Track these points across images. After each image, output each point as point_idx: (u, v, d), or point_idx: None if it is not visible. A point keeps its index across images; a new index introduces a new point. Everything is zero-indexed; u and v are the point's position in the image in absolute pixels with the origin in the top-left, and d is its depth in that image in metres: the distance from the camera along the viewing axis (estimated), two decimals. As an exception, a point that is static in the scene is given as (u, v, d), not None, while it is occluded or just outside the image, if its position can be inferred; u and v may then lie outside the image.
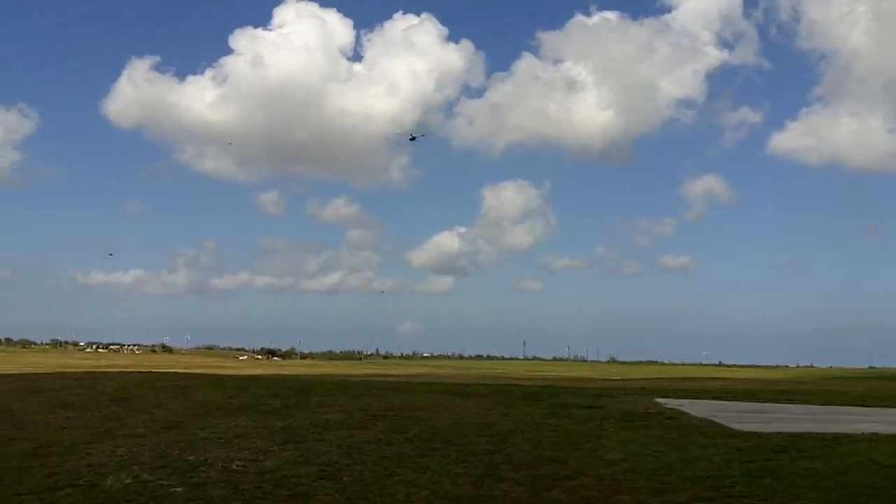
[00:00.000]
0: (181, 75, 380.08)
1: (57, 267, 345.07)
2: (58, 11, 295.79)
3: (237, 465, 14.75)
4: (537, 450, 16.88)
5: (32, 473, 13.92)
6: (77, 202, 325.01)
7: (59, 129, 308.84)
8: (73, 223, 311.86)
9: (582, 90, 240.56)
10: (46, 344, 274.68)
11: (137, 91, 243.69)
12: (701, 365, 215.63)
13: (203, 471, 14.31)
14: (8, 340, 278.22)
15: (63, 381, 32.98)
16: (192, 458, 15.43)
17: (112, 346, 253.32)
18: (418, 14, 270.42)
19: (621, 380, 67.10)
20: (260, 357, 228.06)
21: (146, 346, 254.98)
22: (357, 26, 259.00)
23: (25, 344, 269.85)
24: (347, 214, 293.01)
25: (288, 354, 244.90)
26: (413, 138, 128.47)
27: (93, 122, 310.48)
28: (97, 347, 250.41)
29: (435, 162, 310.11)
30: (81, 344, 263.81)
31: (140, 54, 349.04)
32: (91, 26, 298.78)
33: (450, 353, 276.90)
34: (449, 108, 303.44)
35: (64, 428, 19.67)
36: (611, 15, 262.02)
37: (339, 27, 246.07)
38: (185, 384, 31.51)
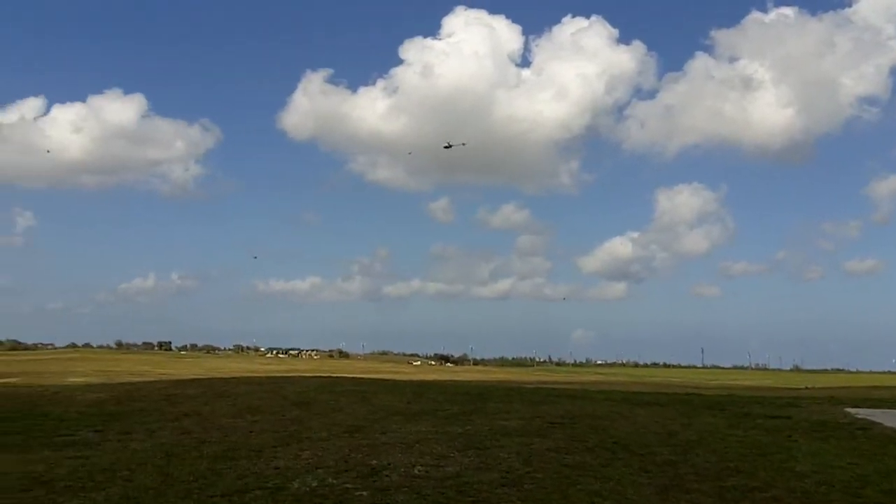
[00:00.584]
0: (353, 87, 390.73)
1: (238, 275, 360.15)
2: (236, 31, 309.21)
3: (419, 471, 14.78)
4: (723, 461, 16.28)
5: (223, 476, 14.30)
6: (256, 213, 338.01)
7: (238, 143, 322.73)
8: (252, 233, 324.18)
9: (759, 89, 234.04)
10: (229, 349, 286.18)
11: (312, 104, 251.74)
12: (890, 373, 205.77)
13: (386, 475, 14.40)
14: (193, 346, 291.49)
15: (247, 386, 34.11)
16: (374, 462, 15.56)
17: (291, 352, 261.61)
18: (587, 17, 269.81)
19: (806, 388, 64.52)
20: (433, 363, 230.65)
21: (323, 352, 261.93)
22: (525, 32, 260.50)
23: (210, 349, 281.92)
24: (517, 220, 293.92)
25: (460, 360, 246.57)
26: (449, 146, 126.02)
27: (270, 135, 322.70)
28: (277, 353, 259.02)
29: (606, 166, 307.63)
30: (262, 349, 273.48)
31: (314, 68, 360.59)
32: (268, 42, 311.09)
33: (624, 361, 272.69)
34: (619, 111, 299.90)
35: (251, 432, 20.26)
36: (788, 11, 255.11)
37: (507, 33, 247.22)
38: (364, 389, 32.06)
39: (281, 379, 40.36)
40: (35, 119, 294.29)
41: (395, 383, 38.47)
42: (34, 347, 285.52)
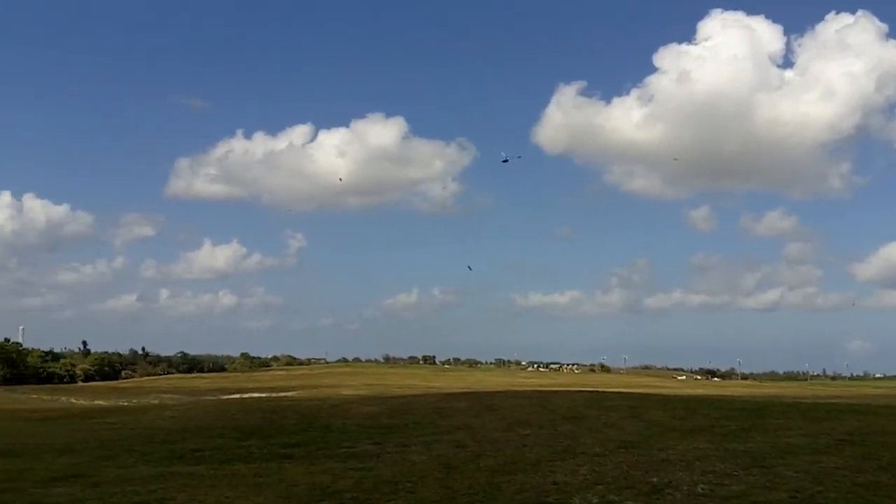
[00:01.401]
0: (607, 98, 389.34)
1: (497, 289, 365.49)
2: (489, 50, 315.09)
3: (702, 489, 14.12)
4: None
5: (503, 490, 14.26)
6: (512, 227, 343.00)
7: (494, 160, 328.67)
8: (509, 248, 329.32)
9: None
10: (491, 363, 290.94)
11: (566, 117, 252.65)
12: None
13: (668, 493, 13.85)
14: (456, 360, 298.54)
15: (514, 400, 34.24)
16: (655, 479, 15.04)
17: (552, 366, 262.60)
18: (853, 12, 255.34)
19: None
20: (699, 377, 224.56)
21: (584, 366, 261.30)
22: (787, 31, 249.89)
23: (472, 363, 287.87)
24: (784, 227, 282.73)
25: (727, 375, 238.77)
26: (506, 160, 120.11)
27: (524, 150, 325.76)
28: (538, 367, 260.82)
29: (878, 166, 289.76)
30: (523, 363, 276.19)
31: (567, 81, 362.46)
32: (520, 59, 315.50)
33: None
34: (891, 110, 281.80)
35: (524, 446, 20.20)
36: None
37: (767, 34, 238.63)
38: (633, 404, 31.39)
39: (547, 393, 40.28)
40: (303, 145, 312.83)
41: (664, 398, 37.48)
42: (307, 362, 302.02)
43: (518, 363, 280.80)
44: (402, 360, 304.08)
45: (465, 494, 13.93)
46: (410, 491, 14.30)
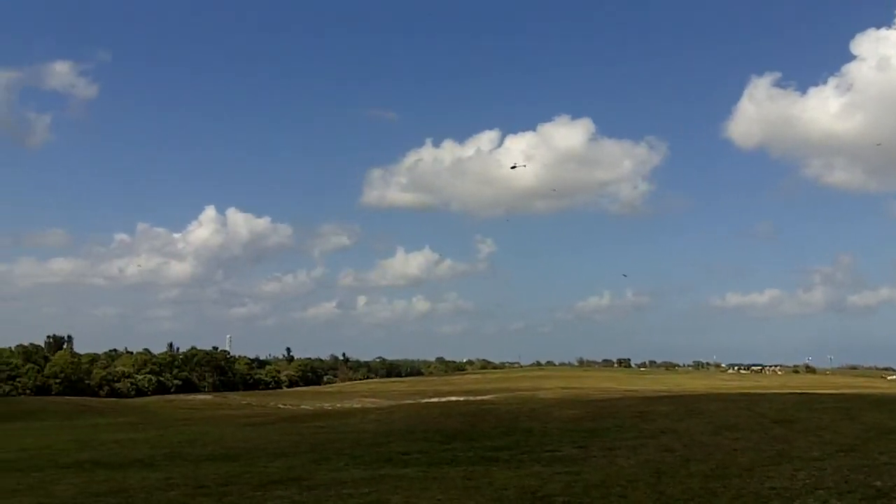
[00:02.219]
0: (802, 88, 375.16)
1: (692, 290, 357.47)
2: (677, 44, 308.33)
3: (935, 496, 13.24)
4: None
5: (718, 495, 13.80)
6: (707, 226, 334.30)
7: (684, 157, 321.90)
8: (704, 247, 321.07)
9: None
10: (689, 366, 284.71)
11: (759, 109, 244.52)
12: None
13: (895, 497, 13.08)
14: (652, 362, 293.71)
15: (718, 403, 33.25)
16: (878, 484, 14.24)
17: (753, 367, 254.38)
18: None
19: None
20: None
21: (787, 367, 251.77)
22: None
23: (668, 366, 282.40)
24: None
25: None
26: (514, 167, 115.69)
27: (716, 145, 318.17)
28: (738, 369, 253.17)
29: None
30: (723, 365, 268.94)
31: (760, 72, 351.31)
32: (710, 52, 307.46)
33: None
34: None
35: (735, 450, 19.55)
36: None
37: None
38: (846, 405, 29.91)
39: (754, 395, 38.91)
40: (490, 151, 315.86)
41: (878, 399, 35.54)
42: (502, 366, 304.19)
43: (717, 365, 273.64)
44: (597, 363, 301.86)
45: (680, 500, 13.56)
46: (622, 496, 14.04)
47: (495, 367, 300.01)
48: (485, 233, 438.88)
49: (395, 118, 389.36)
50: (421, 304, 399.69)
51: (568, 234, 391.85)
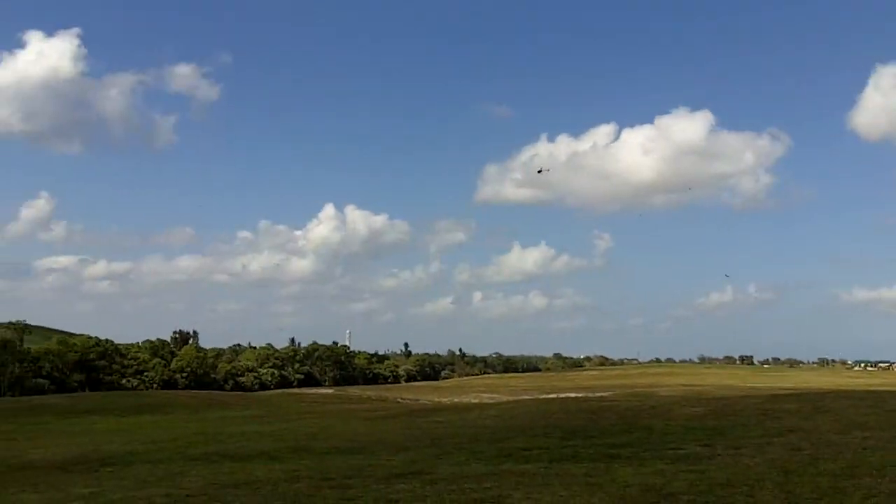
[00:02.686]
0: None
1: (818, 285, 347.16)
2: (791, 32, 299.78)
3: None
4: None
5: (848, 494, 13.46)
6: (833, 219, 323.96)
7: (808, 148, 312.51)
8: (830, 241, 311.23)
9: None
10: (813, 363, 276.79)
11: (886, 99, 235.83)
12: None
13: None
14: (775, 360, 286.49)
15: (847, 401, 32.26)
16: None
17: (881, 364, 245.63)
18: None
19: None
20: None
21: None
22: None
23: (793, 363, 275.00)
24: None
25: None
26: (540, 171, 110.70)
27: (840, 136, 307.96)
28: (865, 366, 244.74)
29: None
30: (849, 362, 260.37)
31: (885, 60, 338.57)
32: (833, 41, 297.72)
33: None
34: None
35: (864, 449, 18.96)
36: None
37: None
38: None
39: (882, 393, 37.62)
40: (607, 145, 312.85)
41: None
42: (620, 363, 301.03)
43: (843, 362, 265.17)
44: (718, 359, 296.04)
45: (809, 499, 13.26)
46: (748, 494, 13.78)
47: (613, 363, 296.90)
48: (602, 228, 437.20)
49: (509, 114, 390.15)
50: (537, 300, 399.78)
51: (687, 229, 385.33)
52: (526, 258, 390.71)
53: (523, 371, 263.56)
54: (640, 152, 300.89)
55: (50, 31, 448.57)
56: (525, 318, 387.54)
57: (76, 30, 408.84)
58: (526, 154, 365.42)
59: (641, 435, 24.25)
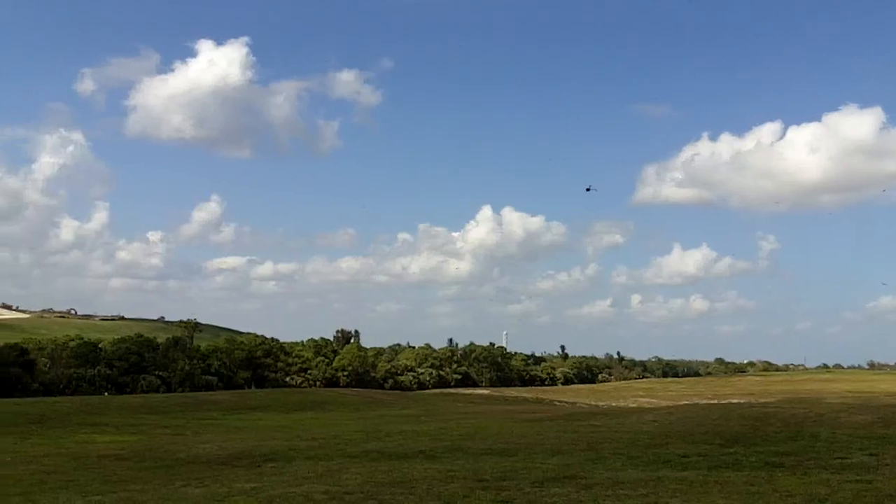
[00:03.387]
0: None
1: None
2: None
3: None
4: None
5: None
6: None
7: None
8: None
9: None
10: None
11: None
12: None
13: None
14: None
15: None
16: None
17: None
18: None
19: None
20: None
21: None
22: None
23: None
24: None
25: None
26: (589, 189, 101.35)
27: None
28: None
29: None
30: None
31: None
32: None
33: None
34: None
35: None
36: None
37: None
38: None
39: None
40: (772, 143, 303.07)
41: None
42: (785, 368, 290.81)
43: None
44: (889, 365, 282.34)
45: None
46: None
47: (778, 369, 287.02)
48: (766, 229, 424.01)
49: (668, 113, 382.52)
50: (699, 303, 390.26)
51: (857, 230, 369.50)
52: (686, 260, 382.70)
53: (683, 376, 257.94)
54: (806, 151, 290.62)
55: (220, 41, 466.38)
56: (685, 322, 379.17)
57: (245, 38, 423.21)
58: (686, 153, 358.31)
59: (806, 443, 23.43)
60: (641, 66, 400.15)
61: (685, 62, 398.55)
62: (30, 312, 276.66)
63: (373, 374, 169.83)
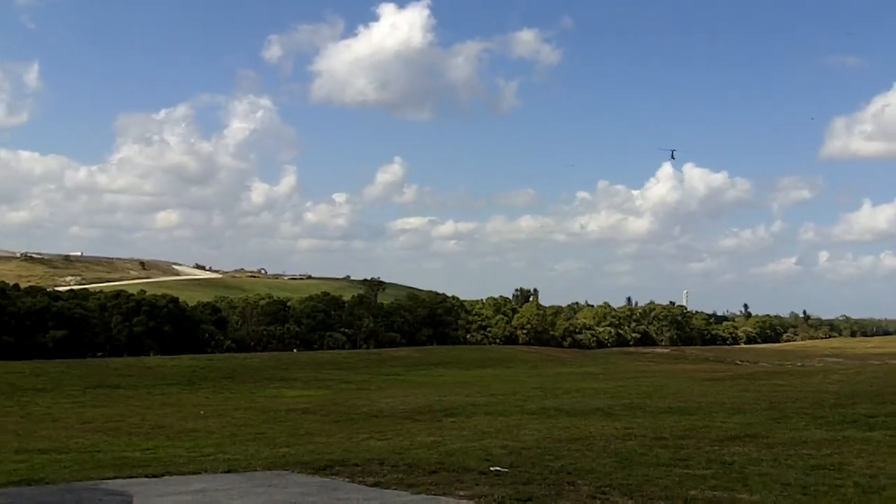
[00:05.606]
0: None
1: None
2: None
3: None
4: None
5: None
6: None
7: None
8: None
9: None
10: None
11: None
12: None
13: None
14: None
15: None
16: None
17: None
18: None
19: None
20: None
21: None
22: None
23: None
24: None
25: None
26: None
27: None
28: None
29: None
30: None
31: None
32: None
33: None
34: None
35: None
36: None
37: None
38: None
39: None
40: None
41: None
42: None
43: None
44: None
45: None
46: None
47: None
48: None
49: (857, 63, 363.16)
50: (890, 261, 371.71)
51: None
52: (878, 216, 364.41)
53: (873, 335, 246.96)
54: None
55: (402, 4, 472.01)
56: (876, 280, 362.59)
57: (426, 1, 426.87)
58: (877, 104, 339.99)
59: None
60: (828, 15, 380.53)
61: (873, 10, 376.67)
62: (222, 272, 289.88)
63: (551, 333, 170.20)
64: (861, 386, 30.12)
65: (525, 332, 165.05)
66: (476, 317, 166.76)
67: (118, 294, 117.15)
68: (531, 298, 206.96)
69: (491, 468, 12.92)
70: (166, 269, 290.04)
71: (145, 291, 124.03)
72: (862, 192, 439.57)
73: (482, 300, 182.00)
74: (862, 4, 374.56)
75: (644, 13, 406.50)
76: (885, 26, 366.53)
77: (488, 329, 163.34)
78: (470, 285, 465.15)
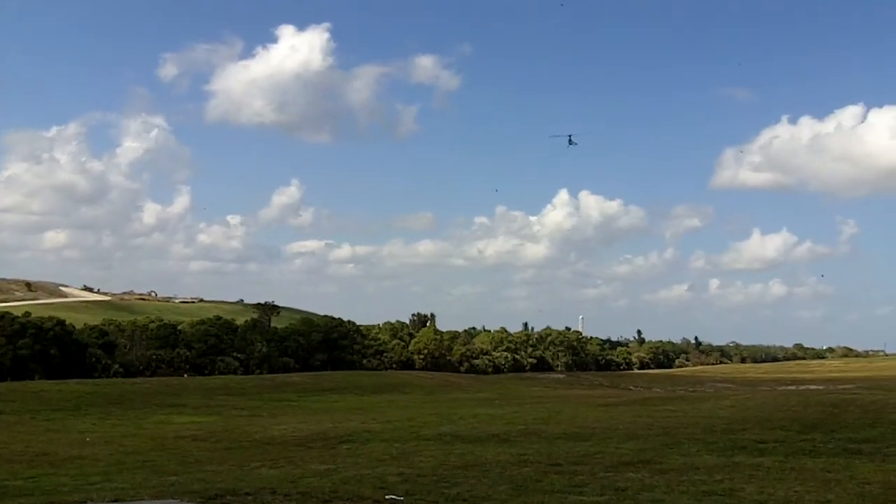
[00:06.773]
0: None
1: None
2: None
3: None
4: None
5: None
6: None
7: None
8: None
9: None
10: None
11: None
12: None
13: None
14: None
15: None
16: None
17: None
18: None
19: None
20: None
21: None
22: None
23: None
24: None
25: None
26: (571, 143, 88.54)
27: None
28: None
29: None
30: None
31: None
32: None
33: None
34: None
35: None
36: None
37: None
38: None
39: None
40: (853, 127, 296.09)
41: None
42: (865, 354, 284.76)
43: None
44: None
45: None
46: None
47: (858, 354, 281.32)
48: (847, 213, 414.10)
49: (747, 95, 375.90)
50: (777, 288, 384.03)
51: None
52: (766, 245, 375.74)
53: (762, 361, 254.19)
54: (889, 135, 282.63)
55: (302, 26, 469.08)
56: (764, 307, 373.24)
57: (326, 24, 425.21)
58: (765, 137, 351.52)
59: (886, 430, 23.03)
60: (720, 48, 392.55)
61: (764, 44, 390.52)
62: (111, 294, 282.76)
63: (448, 358, 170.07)
64: (751, 412, 30.80)
65: (422, 357, 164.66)
66: (372, 341, 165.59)
67: (2, 316, 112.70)
68: (428, 323, 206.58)
69: (386, 496, 12.72)
70: (53, 290, 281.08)
71: (30, 313, 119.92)
72: (751, 221, 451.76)
73: (379, 325, 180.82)
74: (752, 38, 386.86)
75: (543, 43, 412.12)
76: (774, 60, 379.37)
77: (385, 354, 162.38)
78: (367, 310, 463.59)
